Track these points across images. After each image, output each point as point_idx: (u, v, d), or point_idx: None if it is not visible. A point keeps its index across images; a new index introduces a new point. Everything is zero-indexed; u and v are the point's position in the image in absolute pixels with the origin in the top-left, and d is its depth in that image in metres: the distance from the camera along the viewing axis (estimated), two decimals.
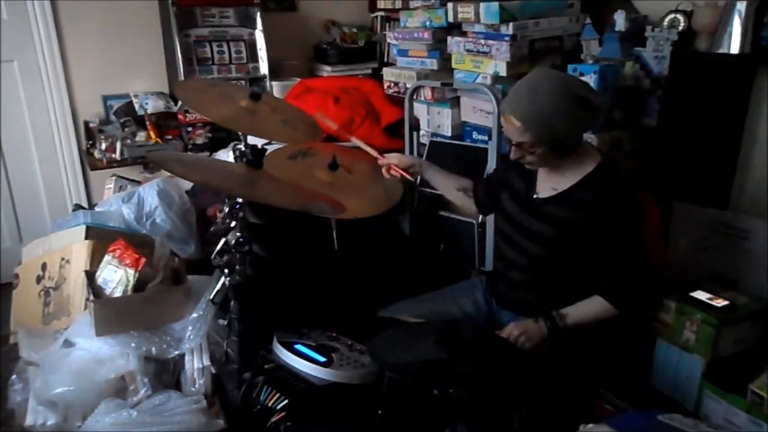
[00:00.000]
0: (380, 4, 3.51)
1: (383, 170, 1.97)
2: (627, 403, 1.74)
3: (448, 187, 2.01)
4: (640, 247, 1.62)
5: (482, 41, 2.35)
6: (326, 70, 3.47)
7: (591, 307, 1.63)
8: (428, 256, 2.46)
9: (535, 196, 1.72)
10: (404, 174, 1.93)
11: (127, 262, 1.84)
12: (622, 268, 1.61)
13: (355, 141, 2.05)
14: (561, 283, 1.68)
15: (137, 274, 1.83)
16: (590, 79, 2.06)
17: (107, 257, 1.88)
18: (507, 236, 1.79)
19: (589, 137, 2.08)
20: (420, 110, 2.70)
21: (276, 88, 3.23)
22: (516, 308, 1.76)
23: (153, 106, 3.14)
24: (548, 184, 1.69)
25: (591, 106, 1.55)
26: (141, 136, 3.03)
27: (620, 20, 2.26)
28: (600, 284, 1.63)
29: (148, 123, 3.07)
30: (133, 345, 1.74)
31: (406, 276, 2.24)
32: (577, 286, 1.65)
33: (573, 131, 1.57)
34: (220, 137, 3.04)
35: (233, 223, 1.68)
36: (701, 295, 1.81)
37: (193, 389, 1.77)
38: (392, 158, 1.97)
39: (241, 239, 1.65)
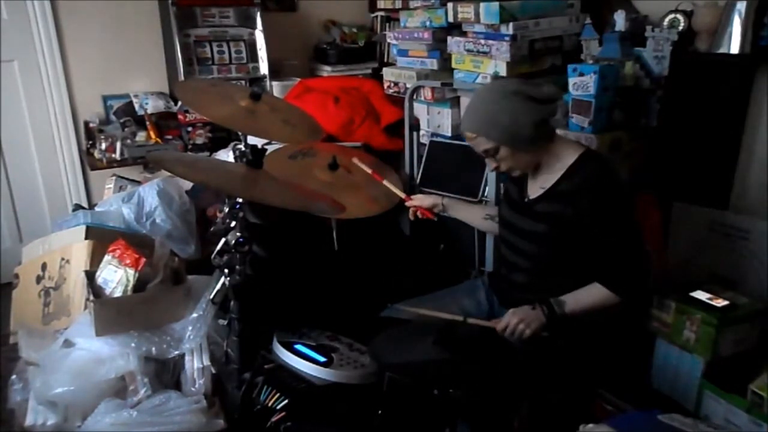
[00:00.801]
0: (380, 4, 3.51)
1: (410, 213, 2.04)
2: (627, 403, 1.74)
3: (476, 217, 2.04)
4: (634, 232, 1.62)
5: (482, 41, 2.34)
6: (326, 70, 3.47)
7: (590, 294, 1.63)
8: (428, 256, 2.46)
9: (526, 199, 1.74)
10: (428, 214, 2.00)
11: (127, 262, 1.84)
12: (619, 253, 1.61)
13: (386, 183, 2.13)
14: (563, 281, 1.68)
15: (137, 274, 1.83)
16: (590, 79, 2.06)
17: (107, 257, 1.88)
18: (507, 241, 1.81)
19: (589, 137, 2.08)
20: (420, 110, 2.70)
21: (276, 88, 3.23)
22: (516, 307, 1.75)
23: (153, 106, 3.14)
24: (536, 185, 1.72)
25: (532, 97, 1.60)
26: (141, 136, 3.03)
27: (620, 20, 2.26)
28: (599, 275, 1.63)
29: (148, 123, 3.07)
30: (133, 345, 1.74)
31: (406, 276, 2.24)
32: (579, 283, 1.65)
33: (520, 122, 1.59)
34: (220, 137, 3.04)
35: (233, 223, 1.68)
36: (701, 295, 1.81)
37: (193, 389, 1.77)
38: (415, 201, 2.04)
39: (241, 239, 1.65)
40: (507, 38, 2.26)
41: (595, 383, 1.79)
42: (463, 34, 2.46)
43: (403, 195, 2.09)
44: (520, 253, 1.75)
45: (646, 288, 1.71)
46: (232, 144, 2.69)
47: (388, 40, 3.21)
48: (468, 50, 2.41)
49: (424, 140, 2.67)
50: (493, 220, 1.96)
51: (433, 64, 2.61)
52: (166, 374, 1.81)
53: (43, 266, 2.11)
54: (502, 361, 1.54)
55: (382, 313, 1.88)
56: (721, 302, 1.77)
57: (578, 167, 1.63)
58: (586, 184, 1.60)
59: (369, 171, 2.17)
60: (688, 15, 2.17)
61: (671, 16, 2.21)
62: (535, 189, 1.72)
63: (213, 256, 1.70)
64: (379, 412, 1.53)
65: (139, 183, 2.64)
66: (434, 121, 2.66)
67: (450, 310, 1.89)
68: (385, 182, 2.13)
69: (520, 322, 1.62)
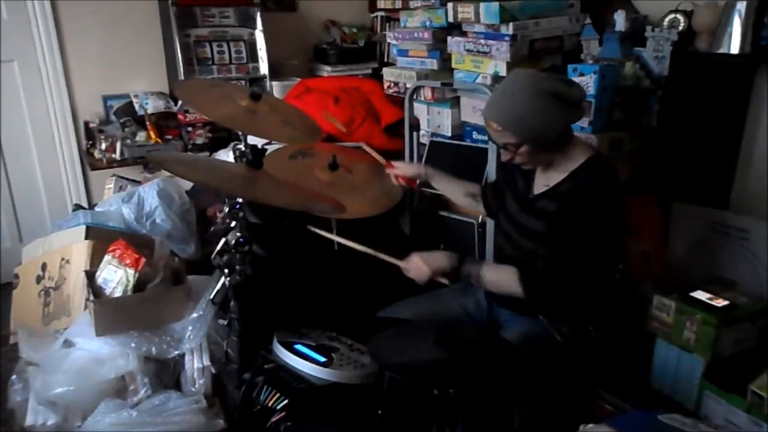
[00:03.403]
0: (380, 4, 3.51)
1: (392, 178, 2.05)
2: (627, 403, 1.74)
3: (457, 193, 2.05)
4: (593, 249, 1.58)
5: (482, 41, 2.35)
6: (326, 70, 3.47)
7: (503, 274, 1.65)
8: None
9: (530, 195, 1.73)
10: (411, 182, 2.02)
11: (127, 262, 1.84)
12: (556, 258, 1.60)
13: (365, 146, 2.13)
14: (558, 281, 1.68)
15: (137, 274, 1.83)
16: (590, 79, 2.07)
17: (107, 257, 1.88)
18: (506, 234, 1.81)
19: (589, 137, 2.08)
20: (420, 110, 2.70)
21: (276, 88, 3.23)
22: (515, 306, 1.75)
23: (153, 106, 3.14)
24: (542, 181, 1.71)
25: (566, 99, 1.57)
26: (141, 136, 3.03)
27: (620, 20, 2.26)
28: (521, 263, 1.64)
29: (148, 123, 3.06)
30: (133, 345, 1.74)
31: (406, 276, 2.24)
32: (574, 286, 1.65)
33: (551, 125, 1.58)
34: (220, 137, 3.04)
35: (233, 223, 1.68)
36: (701, 295, 1.81)
37: (193, 389, 1.77)
38: (397, 169, 2.04)
39: (241, 239, 1.65)
40: (507, 38, 2.26)
41: (595, 383, 1.79)
42: (463, 34, 2.46)
43: (383, 161, 2.08)
44: (518, 248, 1.75)
45: (550, 302, 1.66)
46: (232, 144, 2.70)
47: (388, 40, 3.22)
48: (468, 50, 2.41)
49: (424, 140, 2.67)
50: (474, 198, 1.98)
51: (433, 64, 2.61)
52: (166, 374, 1.81)
53: (43, 266, 2.11)
54: (501, 361, 1.54)
55: (382, 313, 1.89)
56: (721, 302, 1.77)
57: (581, 171, 1.63)
58: (580, 189, 1.60)
59: (382, 160, 2.16)
60: (688, 15, 2.17)
61: (671, 16, 2.21)
62: (540, 186, 1.71)
63: (213, 256, 1.70)
64: (379, 412, 1.52)
65: (139, 183, 2.64)
66: (434, 121, 2.66)
67: (449, 308, 1.90)
68: (364, 146, 2.14)
69: (420, 260, 1.72)
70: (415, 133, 2.66)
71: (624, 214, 1.66)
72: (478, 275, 1.67)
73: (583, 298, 1.63)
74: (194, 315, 1.82)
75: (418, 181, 2.02)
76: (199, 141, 3.08)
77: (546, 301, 1.65)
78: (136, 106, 3.16)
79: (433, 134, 2.67)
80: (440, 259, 1.72)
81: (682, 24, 2.18)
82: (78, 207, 2.63)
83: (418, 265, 1.73)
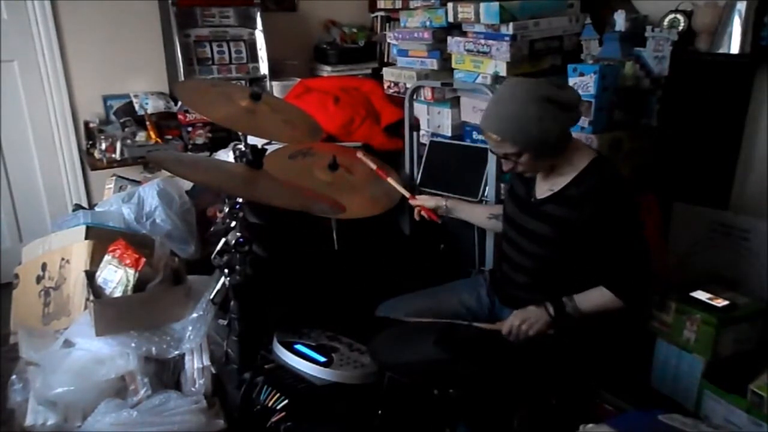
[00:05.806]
0: (380, 4, 3.51)
1: (415, 212, 2.06)
2: (627, 403, 1.74)
3: (480, 217, 2.04)
4: (640, 239, 1.62)
5: (482, 41, 2.35)
6: (326, 70, 3.47)
7: (596, 297, 1.63)
8: (428, 255, 2.46)
9: (533, 199, 1.73)
10: (432, 215, 2.01)
11: (127, 262, 1.84)
12: (624, 260, 1.61)
13: (391, 181, 2.13)
14: (565, 282, 1.68)
15: (137, 274, 1.83)
16: (590, 79, 2.06)
17: (107, 257, 1.88)
18: (510, 239, 1.81)
19: (589, 137, 2.08)
20: (420, 110, 2.70)
21: (276, 88, 3.23)
22: (520, 307, 1.76)
23: (153, 106, 3.14)
24: (545, 186, 1.71)
25: (561, 104, 1.57)
26: (141, 136, 3.03)
27: (620, 20, 2.26)
28: (604, 280, 1.63)
29: (148, 123, 3.06)
30: (133, 345, 1.74)
31: (406, 276, 2.24)
32: (580, 286, 1.65)
33: (549, 131, 1.58)
34: (220, 137, 3.04)
35: (233, 223, 1.68)
36: (701, 295, 1.81)
37: (193, 389, 1.77)
38: (419, 201, 2.05)
39: (241, 239, 1.65)
40: (507, 38, 2.26)
41: (595, 383, 1.79)
42: (463, 34, 2.46)
43: (407, 194, 2.09)
44: (523, 253, 1.75)
45: (649, 294, 1.71)
46: (232, 144, 2.69)
47: (388, 40, 3.21)
48: (468, 50, 2.41)
49: (424, 140, 2.67)
50: (498, 219, 1.95)
51: (433, 64, 2.61)
52: (166, 374, 1.81)
53: (43, 266, 2.11)
54: (501, 361, 1.54)
55: (384, 307, 1.88)
56: (721, 302, 1.77)
57: (588, 174, 1.63)
58: (592, 191, 1.60)
59: (374, 167, 2.16)
60: (688, 15, 2.17)
61: (671, 16, 2.21)
62: (544, 190, 1.71)
63: (213, 256, 1.70)
64: (379, 412, 1.52)
65: (139, 183, 2.64)
66: (434, 121, 2.66)
67: (450, 304, 1.90)
68: (389, 180, 2.13)
69: (522, 323, 1.63)
70: (415, 133, 2.66)
71: (637, 208, 1.67)
72: (576, 311, 1.62)
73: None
74: (194, 315, 1.82)
75: (439, 213, 2.02)
76: (199, 141, 3.08)
77: (644, 296, 1.69)
78: (136, 106, 3.16)
79: (433, 134, 2.67)
80: (539, 314, 1.64)
81: (682, 24, 2.18)
82: (78, 207, 2.63)
83: (518, 328, 1.64)
